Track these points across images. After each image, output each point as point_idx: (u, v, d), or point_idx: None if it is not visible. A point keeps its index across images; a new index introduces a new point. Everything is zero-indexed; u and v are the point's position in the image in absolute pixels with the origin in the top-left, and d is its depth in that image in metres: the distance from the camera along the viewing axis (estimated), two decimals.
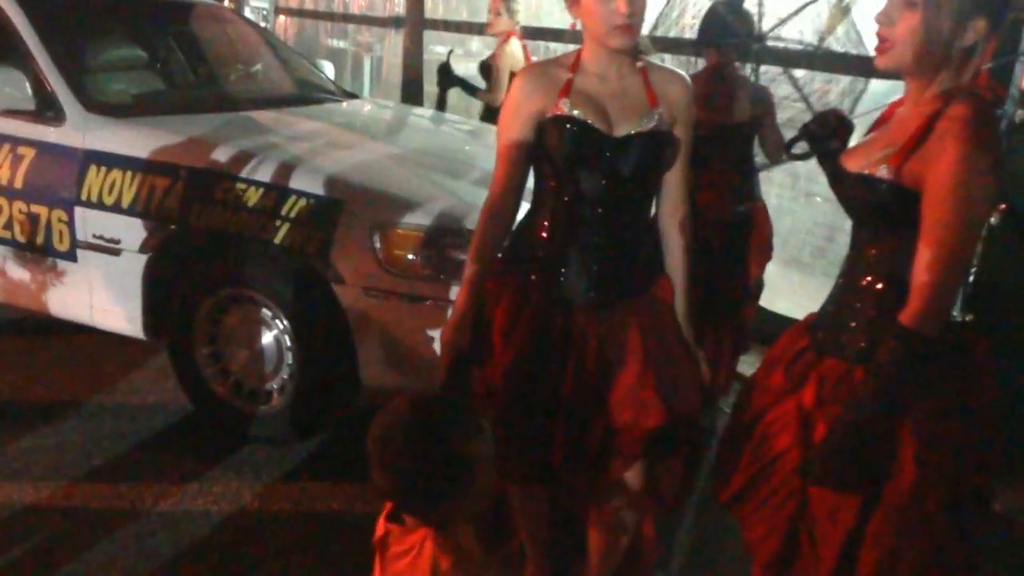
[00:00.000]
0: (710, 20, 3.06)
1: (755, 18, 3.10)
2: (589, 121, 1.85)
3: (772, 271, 3.53)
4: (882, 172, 1.55)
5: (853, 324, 1.65)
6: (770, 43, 3.11)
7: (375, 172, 3.02)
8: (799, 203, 4.72)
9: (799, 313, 1.87)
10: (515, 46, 4.51)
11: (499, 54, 4.51)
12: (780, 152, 3.04)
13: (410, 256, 2.69)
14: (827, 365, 1.66)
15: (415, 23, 6.15)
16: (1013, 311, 2.86)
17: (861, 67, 3.13)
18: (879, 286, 1.62)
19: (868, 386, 1.54)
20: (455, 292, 2.63)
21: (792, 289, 4.17)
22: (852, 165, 1.63)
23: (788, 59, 3.21)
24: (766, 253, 3.33)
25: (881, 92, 3.35)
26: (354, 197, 2.78)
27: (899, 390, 1.53)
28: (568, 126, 1.85)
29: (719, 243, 3.07)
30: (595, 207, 1.90)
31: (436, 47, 6.50)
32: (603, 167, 1.86)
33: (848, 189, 1.63)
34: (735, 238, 3.16)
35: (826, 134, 1.70)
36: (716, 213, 3.04)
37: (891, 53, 1.54)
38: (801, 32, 3.12)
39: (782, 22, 3.09)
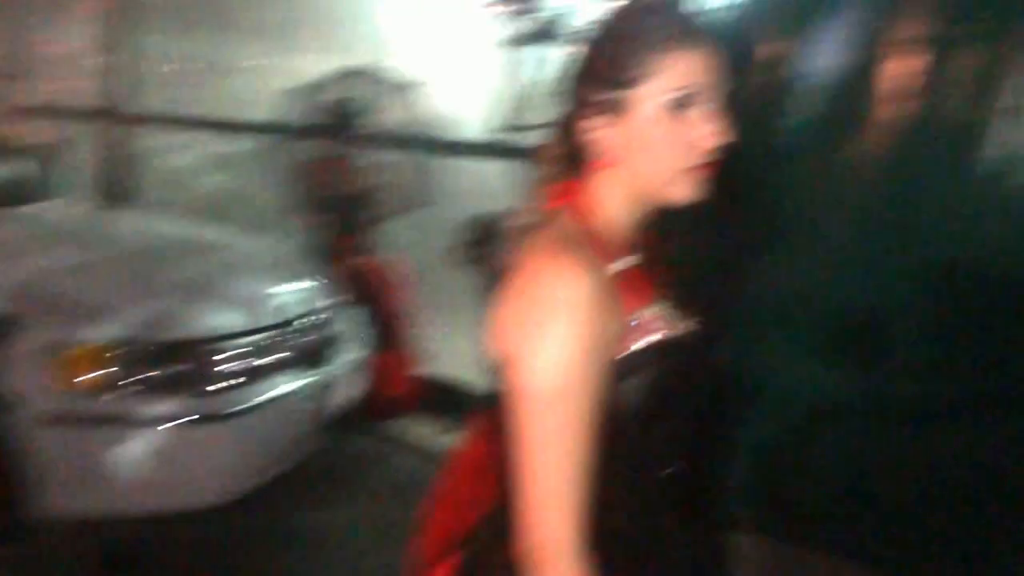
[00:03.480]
0: (327, 112, 3.77)
1: (359, 109, 3.79)
2: (675, 335, 1.11)
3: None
4: None
5: None
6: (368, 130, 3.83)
7: (60, 281, 2.81)
8: None
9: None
10: None
11: None
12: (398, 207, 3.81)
13: (94, 374, 2.52)
14: None
15: (118, 117, 5.84)
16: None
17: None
18: None
19: None
20: (147, 410, 2.52)
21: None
22: None
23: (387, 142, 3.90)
24: (402, 306, 3.75)
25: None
26: (30, 311, 2.57)
27: None
28: (661, 358, 1.08)
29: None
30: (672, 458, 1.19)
31: (148, 141, 6.11)
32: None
33: None
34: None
35: (484, 240, 1.82)
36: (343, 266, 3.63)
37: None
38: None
39: (373, 112, 3.81)
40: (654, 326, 1.07)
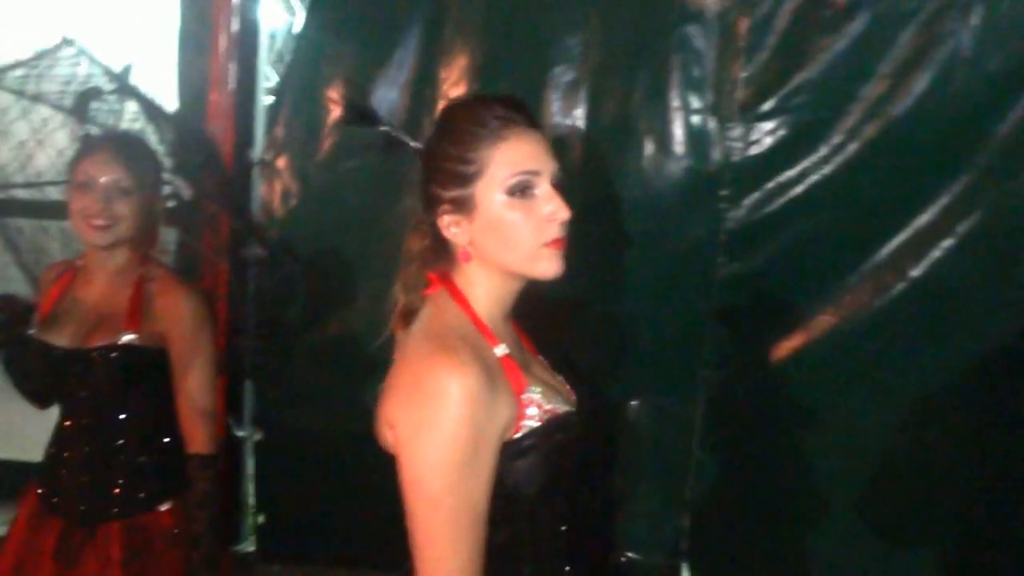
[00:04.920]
0: None
1: None
2: (561, 409, 1.17)
3: None
4: (125, 338, 1.68)
5: (124, 487, 1.72)
6: None
7: None
8: None
9: None
10: None
11: None
12: None
13: None
14: (103, 531, 1.69)
15: None
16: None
17: None
18: (145, 438, 1.74)
19: (203, 516, 1.71)
20: None
21: None
22: (69, 340, 1.69)
23: None
24: None
25: None
26: None
27: None
28: (552, 433, 1.13)
29: None
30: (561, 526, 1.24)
31: None
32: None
33: (77, 364, 1.69)
34: None
35: (13, 320, 1.69)
36: None
37: (114, 229, 1.68)
38: None
39: None
40: (541, 405, 1.11)
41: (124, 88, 2.11)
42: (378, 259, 2.65)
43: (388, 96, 2.67)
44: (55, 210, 3.02)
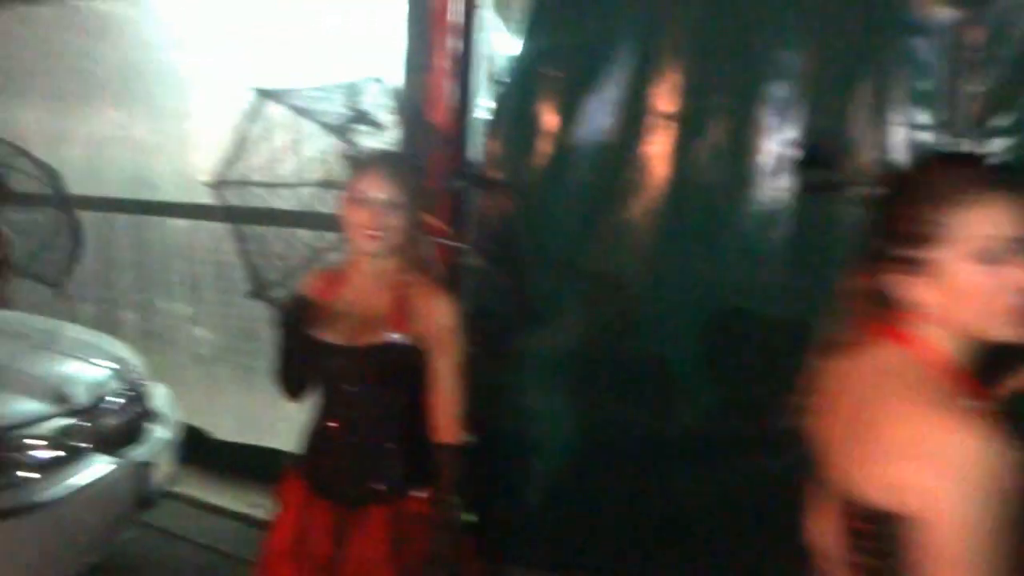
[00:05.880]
0: None
1: None
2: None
3: None
4: (392, 337, 1.86)
5: (388, 473, 1.91)
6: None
7: None
8: None
9: None
10: None
11: None
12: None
13: None
14: (370, 513, 1.88)
15: None
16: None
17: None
18: (405, 428, 1.92)
19: (449, 503, 1.87)
20: None
21: None
22: (342, 338, 1.88)
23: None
24: None
25: None
26: None
27: None
28: None
29: None
30: None
31: None
32: None
33: (348, 360, 1.88)
34: None
35: (300, 319, 1.90)
36: None
37: (385, 240, 1.86)
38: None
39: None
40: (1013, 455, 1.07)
41: (406, 113, 2.27)
42: (591, 273, 2.73)
43: (599, 116, 2.74)
44: (284, 217, 3.32)
